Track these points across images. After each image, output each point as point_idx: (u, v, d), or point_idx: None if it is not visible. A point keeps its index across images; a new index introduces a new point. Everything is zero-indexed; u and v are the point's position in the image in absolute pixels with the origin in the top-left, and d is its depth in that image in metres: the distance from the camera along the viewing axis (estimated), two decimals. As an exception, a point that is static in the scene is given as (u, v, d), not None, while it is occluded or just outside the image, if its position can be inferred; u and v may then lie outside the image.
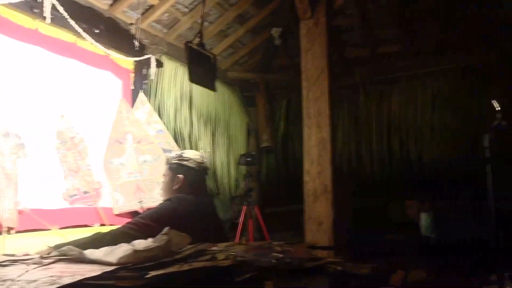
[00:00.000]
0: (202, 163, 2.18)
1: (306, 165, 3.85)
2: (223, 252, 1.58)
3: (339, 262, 1.54)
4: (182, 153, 2.19)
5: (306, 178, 3.84)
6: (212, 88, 3.78)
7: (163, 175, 2.20)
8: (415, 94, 5.16)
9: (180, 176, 2.11)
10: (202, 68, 3.59)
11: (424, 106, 5.10)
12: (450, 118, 4.93)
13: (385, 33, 5.02)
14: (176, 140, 4.39)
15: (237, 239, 4.63)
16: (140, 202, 3.57)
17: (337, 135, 5.43)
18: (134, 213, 3.45)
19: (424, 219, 3.84)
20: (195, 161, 2.15)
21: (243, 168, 5.17)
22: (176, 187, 2.11)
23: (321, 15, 3.86)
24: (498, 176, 1.66)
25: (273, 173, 5.91)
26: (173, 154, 2.29)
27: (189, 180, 2.11)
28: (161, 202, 2.10)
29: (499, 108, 1.71)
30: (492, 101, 1.75)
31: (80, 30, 3.28)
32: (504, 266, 2.90)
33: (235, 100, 5.62)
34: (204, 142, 4.97)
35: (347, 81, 5.49)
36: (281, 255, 1.52)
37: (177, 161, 2.15)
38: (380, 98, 5.39)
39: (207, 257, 1.52)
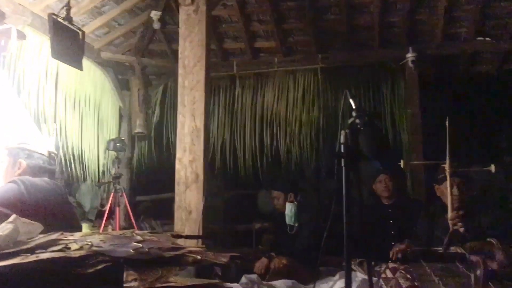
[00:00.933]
0: (48, 147, 2.03)
1: (179, 153, 3.81)
2: (78, 242, 1.50)
3: (200, 252, 1.54)
4: (24, 137, 2.03)
5: (177, 166, 3.80)
6: (78, 66, 3.53)
7: (1, 161, 2.01)
8: (287, 89, 5.39)
9: (22, 161, 1.95)
10: (67, 44, 3.33)
11: (295, 101, 5.35)
12: (317, 114, 5.24)
13: (262, 28, 5.16)
14: (38, 121, 4.05)
15: (102, 228, 4.43)
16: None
17: (212, 125, 5.47)
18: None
19: (289, 209, 4.04)
20: (39, 145, 1.99)
21: (113, 154, 4.95)
22: (18, 173, 1.94)
23: (201, 2, 3.84)
24: (349, 170, 1.81)
25: (145, 160, 5.75)
26: (14, 138, 2.11)
27: (32, 166, 1.95)
28: (3, 185, 1.91)
29: (355, 107, 1.85)
30: (350, 99, 1.88)
31: None
32: (354, 253, 3.17)
33: (108, 82, 5.35)
34: (71, 125, 4.66)
35: (225, 72, 5.55)
36: (140, 245, 1.48)
37: (18, 146, 1.98)
38: (255, 91, 5.53)
39: (59, 247, 1.43)
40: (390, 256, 3.19)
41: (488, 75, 5.39)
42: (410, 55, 4.82)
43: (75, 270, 1.29)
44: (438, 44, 4.94)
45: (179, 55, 3.93)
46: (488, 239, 2.43)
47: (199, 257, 1.47)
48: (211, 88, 5.29)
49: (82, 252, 1.35)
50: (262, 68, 5.49)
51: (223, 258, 1.51)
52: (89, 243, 1.47)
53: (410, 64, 4.85)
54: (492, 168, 2.59)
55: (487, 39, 4.81)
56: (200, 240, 3.46)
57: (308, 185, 5.59)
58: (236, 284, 3.12)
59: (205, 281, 2.83)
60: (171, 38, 5.36)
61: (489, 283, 1.45)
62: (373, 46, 5.16)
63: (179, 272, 3.14)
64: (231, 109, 5.59)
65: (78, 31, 3.51)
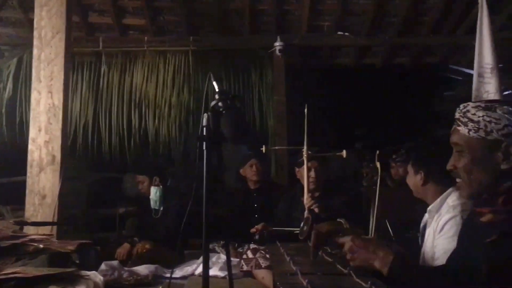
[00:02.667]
0: None
1: (32, 133, 3.52)
2: None
3: (43, 240, 1.41)
4: None
5: (31, 147, 3.51)
6: None
7: None
8: (157, 70, 5.23)
9: None
10: None
11: (164, 83, 5.21)
12: (187, 96, 5.18)
13: (131, 4, 4.92)
14: None
15: None
16: None
17: (74, 103, 5.10)
18: None
19: (153, 193, 3.95)
20: None
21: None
22: None
23: (59, -33, 3.54)
24: (211, 153, 1.80)
25: (-5, 139, 5.17)
26: None
27: None
28: None
29: (218, 90, 1.85)
30: (213, 82, 1.87)
31: None
32: (218, 235, 3.23)
33: None
34: None
35: (90, 48, 5.19)
36: (-32, 234, 1.30)
37: None
38: (123, 70, 5.27)
39: None
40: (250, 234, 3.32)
41: (346, 68, 5.83)
42: (277, 44, 4.99)
43: None
44: (303, 35, 5.18)
45: (35, 25, 3.64)
46: (338, 219, 2.62)
47: (41, 245, 1.35)
48: (73, 63, 4.95)
49: None
50: (130, 46, 5.25)
51: (70, 246, 1.40)
52: None
53: (278, 53, 5.02)
54: (344, 153, 2.80)
55: (347, 34, 5.18)
56: (54, 227, 3.23)
57: (177, 168, 5.52)
58: (94, 271, 2.96)
59: (58, 270, 2.64)
60: (28, 5, 4.84)
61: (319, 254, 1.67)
62: (244, 32, 5.24)
63: (29, 261, 2.89)
64: (96, 87, 5.26)
65: None
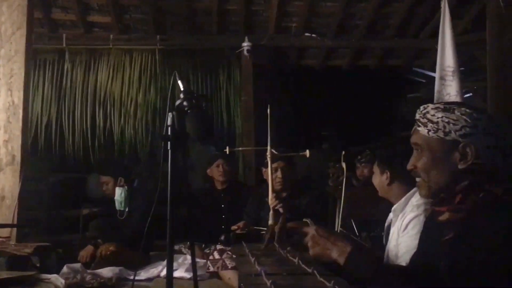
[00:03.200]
0: None
1: (-9, 132, 3.40)
2: None
3: (0, 243, 1.36)
4: None
5: (-11, 146, 3.39)
6: None
7: None
8: (123, 69, 5.14)
9: None
10: None
11: (131, 82, 5.13)
12: (154, 96, 5.12)
13: (96, 1, 4.82)
14: None
15: None
16: None
17: (35, 101, 4.95)
18: None
19: (118, 194, 3.86)
20: None
21: None
22: None
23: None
24: (176, 152, 1.77)
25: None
26: None
27: None
28: None
29: (183, 89, 1.83)
30: (178, 81, 1.85)
31: None
32: (184, 236, 3.19)
33: None
34: None
35: (53, 45, 5.06)
36: None
37: None
38: (88, 68, 5.16)
39: None
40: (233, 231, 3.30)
41: (313, 69, 5.88)
42: (245, 44, 5.00)
43: None
44: (271, 36, 5.20)
45: (-6, 21, 3.51)
46: (304, 219, 2.63)
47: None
48: (35, 60, 4.83)
49: None
50: (95, 44, 5.15)
51: (27, 249, 1.36)
52: None
53: (246, 53, 5.03)
54: (307, 153, 2.81)
55: (314, 35, 5.23)
56: (14, 229, 3.12)
57: (143, 168, 5.44)
58: (55, 275, 2.88)
59: (17, 273, 2.57)
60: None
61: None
62: (211, 32, 5.21)
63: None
64: (59, 85, 5.13)
65: None
